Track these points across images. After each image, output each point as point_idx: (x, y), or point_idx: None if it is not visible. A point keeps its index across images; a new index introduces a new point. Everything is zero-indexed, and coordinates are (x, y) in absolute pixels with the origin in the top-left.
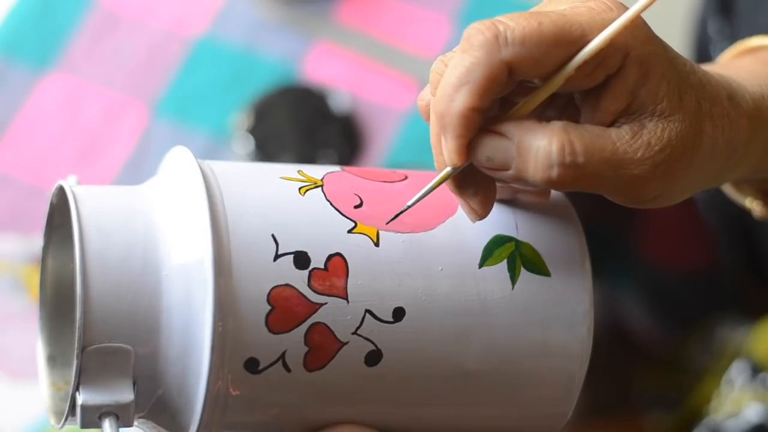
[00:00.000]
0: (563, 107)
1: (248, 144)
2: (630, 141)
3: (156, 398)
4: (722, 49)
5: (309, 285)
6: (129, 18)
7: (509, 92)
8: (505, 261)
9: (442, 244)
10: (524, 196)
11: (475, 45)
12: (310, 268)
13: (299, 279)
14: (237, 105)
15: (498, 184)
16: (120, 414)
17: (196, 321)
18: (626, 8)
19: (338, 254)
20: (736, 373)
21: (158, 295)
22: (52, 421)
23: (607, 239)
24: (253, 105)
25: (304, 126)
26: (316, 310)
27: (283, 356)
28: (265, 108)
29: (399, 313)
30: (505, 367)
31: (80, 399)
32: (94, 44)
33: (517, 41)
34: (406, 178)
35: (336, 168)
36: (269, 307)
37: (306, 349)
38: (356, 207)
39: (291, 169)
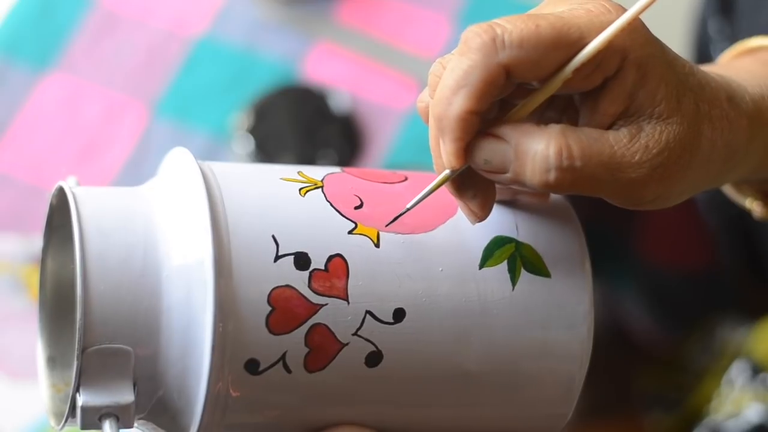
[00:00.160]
0: (563, 108)
1: (248, 144)
2: (628, 144)
3: (156, 399)
4: (722, 49)
5: (309, 286)
6: (129, 18)
7: (508, 94)
8: (505, 262)
9: (442, 245)
10: (524, 197)
11: (473, 48)
12: (311, 269)
13: (300, 280)
14: (237, 105)
15: (498, 185)
16: (120, 415)
17: (196, 322)
18: (625, 10)
19: (339, 255)
20: (737, 373)
21: (158, 296)
22: (52, 422)
23: (607, 239)
24: (253, 105)
25: (304, 126)
26: (316, 311)
27: (283, 357)
28: (265, 108)
29: (399, 314)
30: (505, 367)
31: (80, 400)
32: (94, 44)
33: (514, 44)
34: (406, 179)
35: (336, 169)
36: (270, 308)
37: (306, 350)
38: (356, 208)
39: (291, 170)
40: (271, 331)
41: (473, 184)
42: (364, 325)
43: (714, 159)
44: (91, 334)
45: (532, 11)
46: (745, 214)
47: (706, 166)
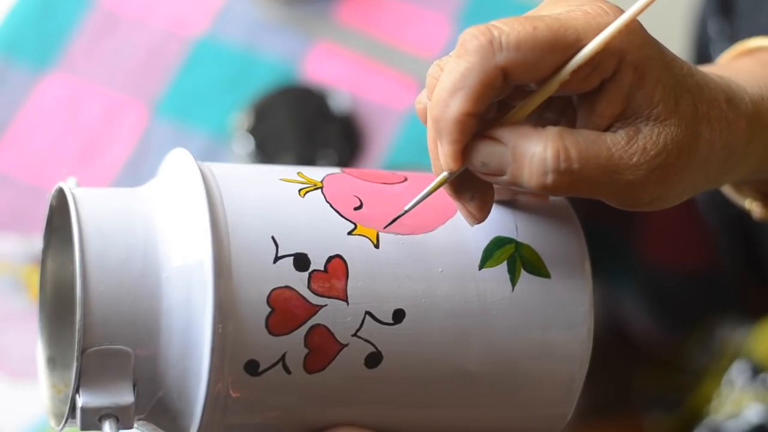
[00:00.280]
0: (561, 110)
1: (248, 144)
2: (625, 146)
3: (156, 400)
4: (722, 50)
5: (309, 287)
6: (129, 18)
7: (507, 96)
8: (505, 263)
9: (442, 246)
10: (524, 198)
11: (470, 50)
12: (310, 269)
13: (299, 281)
14: (237, 105)
15: (497, 185)
16: (120, 416)
17: (196, 323)
18: (622, 12)
19: (338, 256)
20: (737, 373)
21: (158, 297)
22: (52, 423)
23: (607, 239)
24: (253, 105)
25: (304, 126)
26: (316, 312)
27: (283, 358)
28: (265, 108)
29: (399, 315)
30: (505, 368)
31: (80, 401)
32: (94, 44)
33: (511, 46)
34: (405, 179)
35: (336, 170)
36: (269, 309)
37: (306, 351)
38: (356, 209)
39: (291, 171)
40: (270, 332)
41: (471, 186)
42: (364, 326)
43: (712, 160)
44: (91, 335)
45: (529, 13)
46: (745, 214)
47: (705, 167)
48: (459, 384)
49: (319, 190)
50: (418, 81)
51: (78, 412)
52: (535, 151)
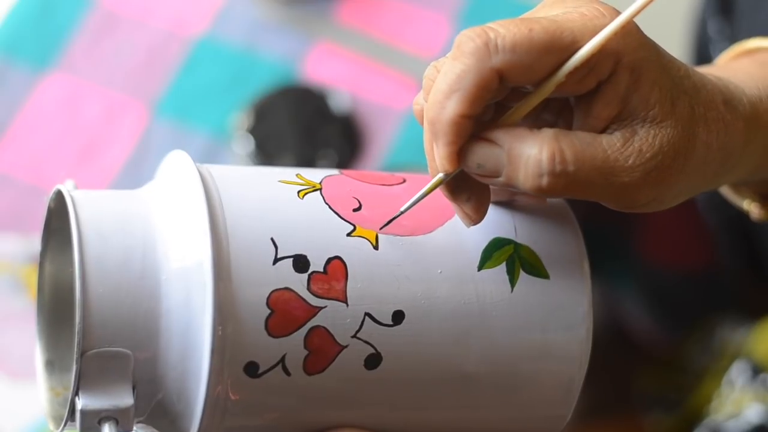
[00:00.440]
0: (558, 111)
1: (248, 144)
2: (621, 148)
3: (155, 402)
4: (722, 50)
5: (308, 288)
6: (129, 18)
7: (504, 97)
8: (503, 263)
9: (440, 247)
10: (522, 198)
11: (466, 52)
12: (310, 271)
13: (299, 282)
14: (237, 105)
15: (494, 187)
16: (119, 418)
17: (195, 324)
18: (619, 14)
19: (337, 257)
20: (737, 373)
21: (157, 298)
22: (51, 425)
23: (606, 239)
24: (253, 105)
25: (304, 126)
26: (315, 314)
27: (282, 360)
28: (265, 108)
29: (398, 317)
30: (504, 369)
31: (80, 404)
32: (94, 44)
33: (507, 48)
34: (404, 181)
35: (334, 171)
36: (269, 311)
37: (305, 352)
38: (355, 210)
39: (289, 173)
40: (270, 334)
41: (467, 188)
42: (363, 327)
43: (710, 162)
44: (90, 337)
45: (526, 15)
46: (745, 214)
47: (702, 168)
48: (458, 385)
49: (318, 192)
50: (418, 81)
51: (77, 415)
52: (530, 153)
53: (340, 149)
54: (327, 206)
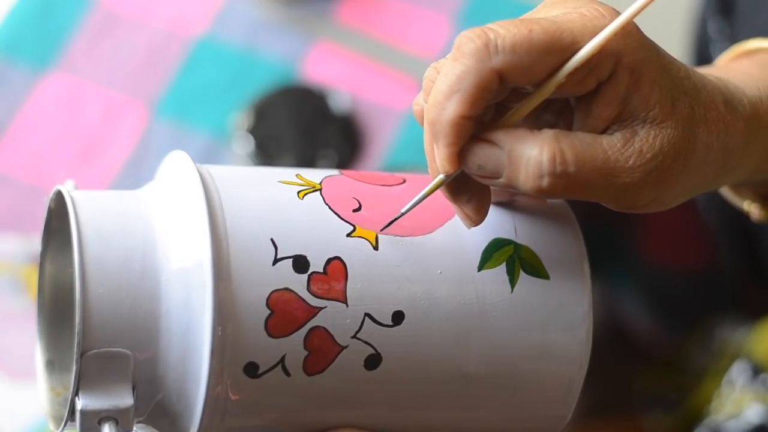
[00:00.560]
0: (559, 112)
1: (248, 144)
2: (621, 149)
3: (155, 403)
4: (722, 50)
5: (308, 289)
6: (129, 18)
7: (504, 98)
8: (504, 264)
9: (441, 248)
10: (522, 199)
11: (466, 53)
12: (310, 271)
13: (298, 283)
14: (237, 105)
15: (494, 187)
16: (119, 419)
17: (195, 325)
18: (619, 14)
19: (337, 258)
20: (737, 373)
21: (157, 299)
22: (51, 425)
23: (606, 239)
24: (253, 105)
25: (304, 126)
26: (315, 314)
27: (282, 360)
28: (265, 108)
29: (398, 317)
30: (504, 369)
31: (80, 404)
32: (94, 44)
33: (507, 49)
34: (404, 181)
35: (334, 172)
36: (268, 311)
37: (305, 353)
38: (355, 211)
39: (289, 173)
40: (270, 335)
41: (468, 189)
42: (363, 327)
43: (710, 162)
44: (90, 337)
45: (526, 15)
46: (745, 214)
47: (702, 169)
48: (458, 385)
49: (318, 192)
50: (418, 81)
51: (77, 415)
52: (531, 154)
53: (340, 149)
54: (327, 207)
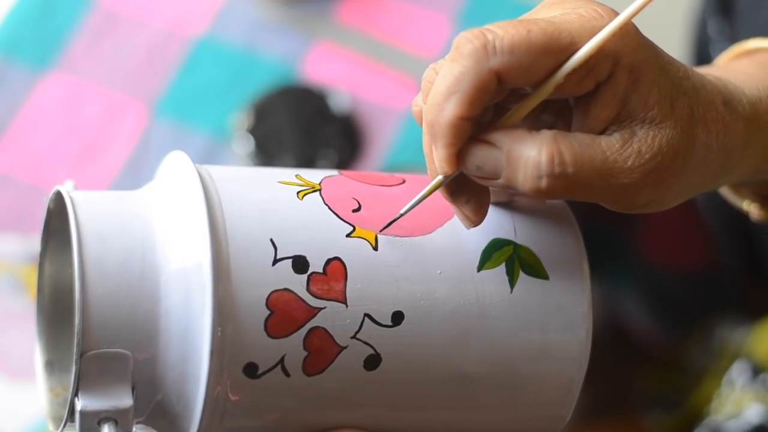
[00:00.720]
0: (558, 112)
1: (248, 144)
2: (620, 150)
3: (155, 403)
4: (722, 50)
5: (308, 289)
6: (129, 18)
7: (503, 98)
8: (503, 264)
9: (440, 248)
10: (521, 199)
11: (464, 54)
12: (309, 272)
13: (298, 283)
14: (237, 105)
15: (494, 188)
16: (119, 419)
17: (195, 325)
18: (617, 15)
19: (337, 258)
20: (737, 373)
21: (157, 299)
22: (51, 426)
23: (606, 239)
24: (253, 105)
25: (304, 126)
26: (315, 315)
27: (282, 361)
28: (265, 108)
29: (398, 317)
30: (503, 370)
31: (79, 404)
32: (94, 44)
33: (505, 50)
34: (404, 182)
35: (334, 172)
36: (268, 312)
37: (305, 353)
38: (354, 211)
39: (289, 174)
40: (269, 335)
41: (467, 190)
42: (363, 328)
43: (709, 162)
44: (90, 338)
45: (524, 16)
46: (745, 214)
47: (702, 169)
48: (458, 386)
49: (318, 193)
50: (418, 81)
51: (77, 416)
52: (529, 155)
53: (340, 149)
54: (326, 207)
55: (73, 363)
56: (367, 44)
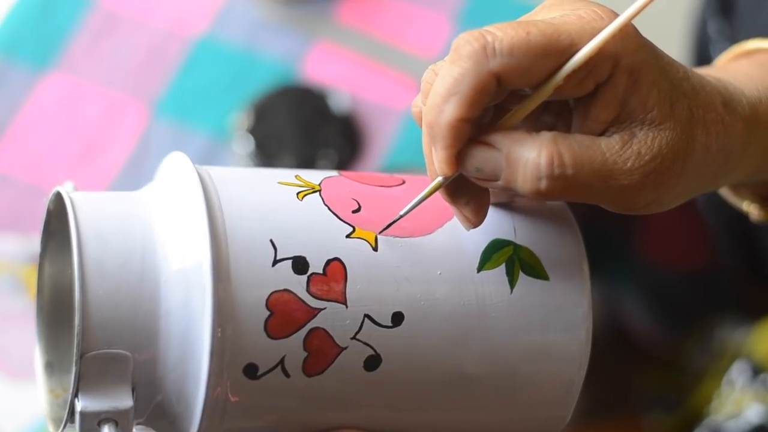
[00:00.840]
0: (558, 113)
1: (248, 144)
2: (620, 151)
3: (155, 404)
4: (722, 50)
5: (308, 290)
6: (129, 18)
7: (503, 100)
8: (503, 265)
9: (440, 249)
10: (521, 200)
11: (464, 56)
12: (309, 273)
13: (298, 284)
14: (237, 105)
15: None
16: (119, 420)
17: (195, 326)
18: (617, 16)
19: (337, 259)
20: (737, 373)
21: (157, 300)
22: (51, 427)
23: (606, 239)
24: (253, 105)
25: (304, 126)
26: (314, 315)
27: (282, 362)
28: (265, 108)
29: (398, 318)
30: (503, 370)
31: (79, 405)
32: (94, 44)
33: (505, 51)
34: (403, 182)
35: (333, 173)
36: (268, 313)
37: (305, 354)
38: (354, 212)
39: (288, 174)
40: (269, 336)
41: (467, 191)
42: (363, 328)
43: (709, 163)
44: (90, 339)
45: (524, 17)
46: (744, 214)
47: (701, 170)
48: (458, 386)
49: (317, 193)
50: (418, 81)
51: (77, 417)
52: (529, 157)
53: (340, 149)
54: (326, 208)
55: (73, 364)
56: (367, 44)
